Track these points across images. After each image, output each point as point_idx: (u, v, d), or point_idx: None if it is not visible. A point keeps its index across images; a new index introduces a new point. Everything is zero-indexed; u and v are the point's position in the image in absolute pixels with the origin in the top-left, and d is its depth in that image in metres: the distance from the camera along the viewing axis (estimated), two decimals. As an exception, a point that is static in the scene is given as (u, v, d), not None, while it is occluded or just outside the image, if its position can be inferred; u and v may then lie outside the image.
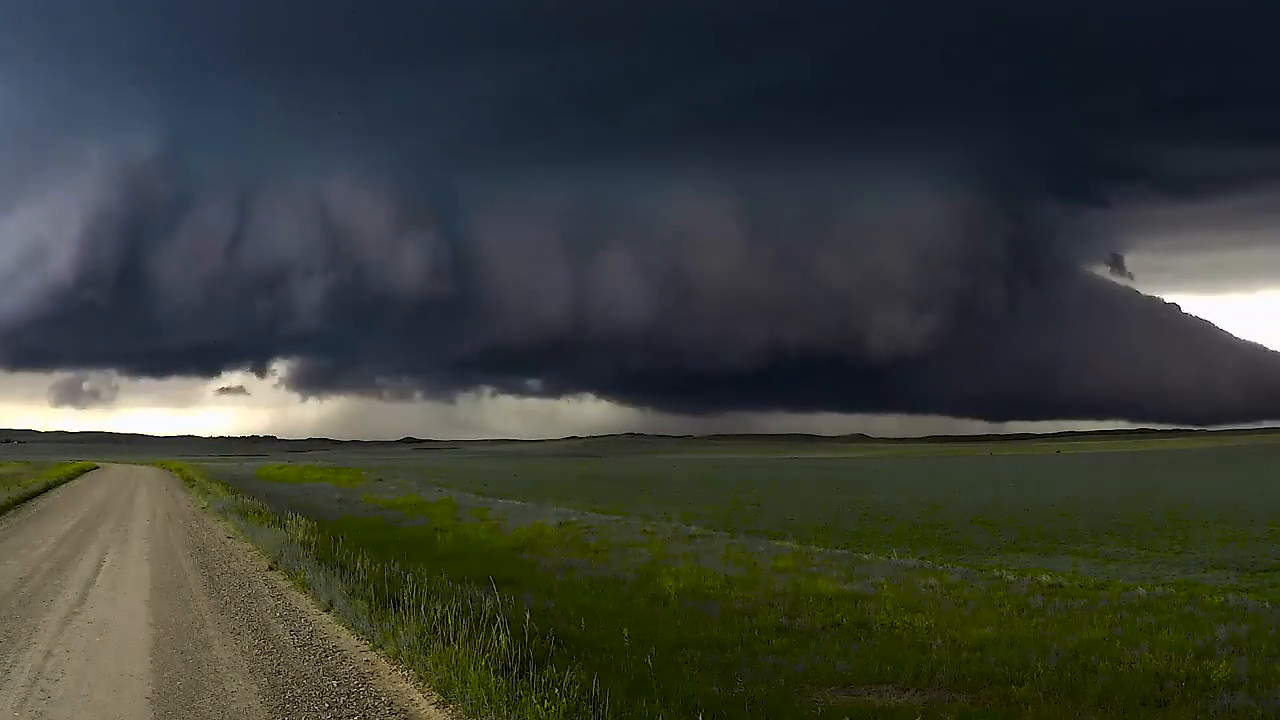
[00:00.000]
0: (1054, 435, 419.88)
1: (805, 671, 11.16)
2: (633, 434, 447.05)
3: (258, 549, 21.40)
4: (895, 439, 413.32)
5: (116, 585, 16.74)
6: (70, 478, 65.19)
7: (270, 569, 18.49)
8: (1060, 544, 27.75)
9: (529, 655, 9.94)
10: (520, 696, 8.70)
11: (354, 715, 9.23)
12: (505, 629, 10.63)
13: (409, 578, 13.95)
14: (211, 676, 10.51)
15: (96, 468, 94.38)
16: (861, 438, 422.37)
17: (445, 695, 9.63)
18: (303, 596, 15.40)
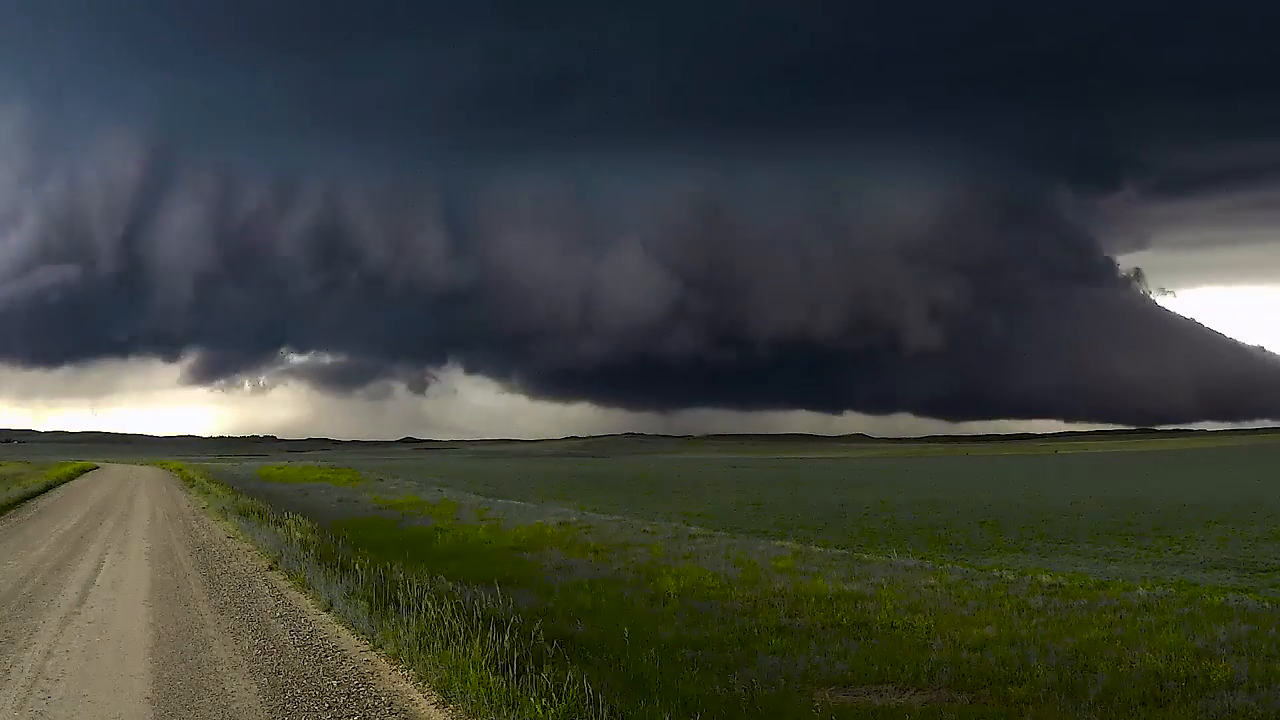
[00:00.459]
0: (1055, 435, 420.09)
1: (805, 671, 11.16)
2: (633, 434, 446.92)
3: (257, 549, 21.40)
4: (895, 439, 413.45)
5: (116, 585, 16.74)
6: (70, 478, 65.19)
7: (270, 569, 18.49)
8: (1060, 544, 27.75)
9: (529, 655, 9.94)
10: (520, 696, 8.70)
11: (354, 715, 9.23)
12: (505, 629, 10.64)
13: (409, 578, 13.95)
14: (211, 676, 10.51)
15: (96, 468, 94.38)
16: (862, 438, 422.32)
17: (445, 695, 9.63)
18: (303, 596, 15.40)
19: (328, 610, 14.10)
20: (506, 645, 10.17)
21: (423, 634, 10.99)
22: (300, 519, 23.81)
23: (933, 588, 16.82)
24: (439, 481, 64.59)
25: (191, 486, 52.01)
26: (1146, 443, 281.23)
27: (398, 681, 10.39)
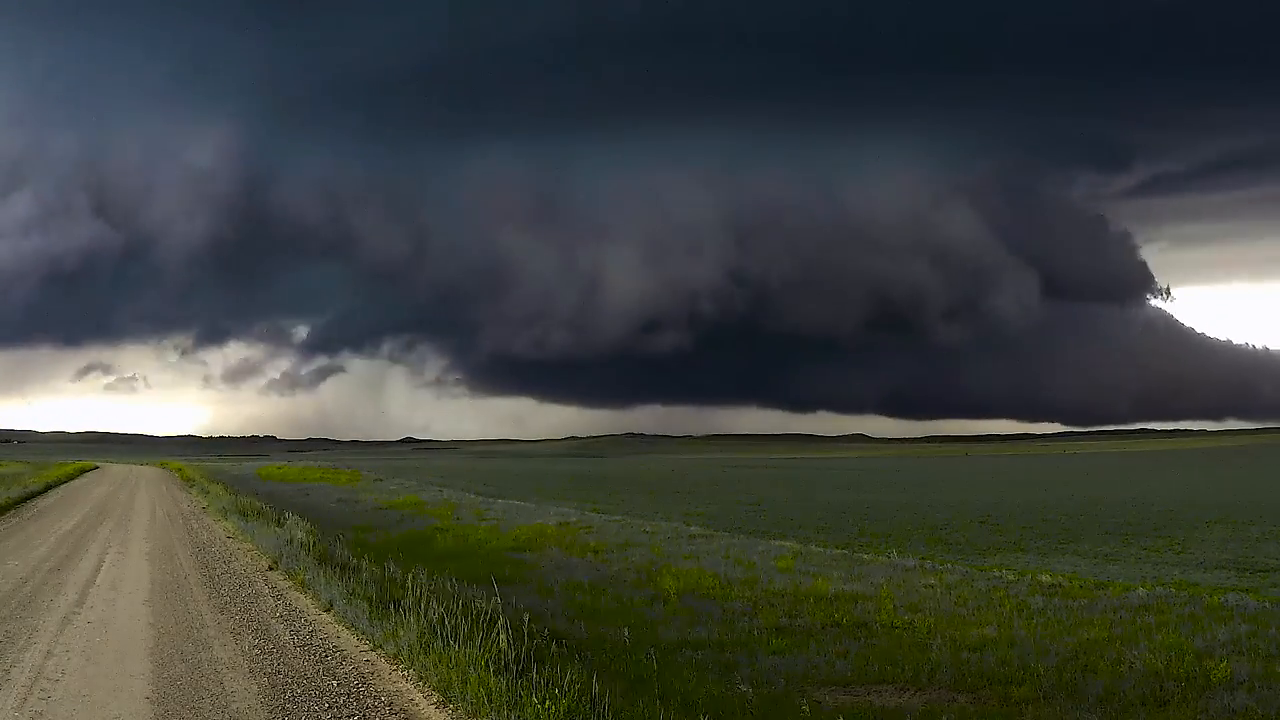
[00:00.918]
0: (1056, 436, 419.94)
1: (805, 671, 11.16)
2: (633, 434, 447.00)
3: (257, 549, 21.40)
4: (894, 439, 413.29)
5: (117, 585, 16.74)
6: (70, 478, 65.18)
7: (270, 569, 18.49)
8: (1060, 544, 27.75)
9: (529, 655, 9.94)
10: (520, 696, 8.70)
11: (354, 715, 9.23)
12: (505, 629, 10.64)
13: (409, 578, 13.95)
14: (211, 676, 10.51)
15: (96, 468, 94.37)
16: (861, 438, 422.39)
17: (445, 695, 9.64)
18: (303, 596, 15.40)
19: (328, 610, 14.10)
20: (506, 645, 10.17)
21: (423, 634, 10.99)
22: (300, 519, 23.82)
23: (933, 588, 16.82)
24: (439, 481, 64.60)
25: (191, 486, 52.02)
26: (1146, 442, 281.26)
27: (398, 681, 10.39)
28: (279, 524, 23.86)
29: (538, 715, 8.34)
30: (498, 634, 10.43)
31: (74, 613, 14.13)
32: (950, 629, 13.24)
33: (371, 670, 10.85)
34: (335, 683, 10.30)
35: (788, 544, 24.68)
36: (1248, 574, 21.23)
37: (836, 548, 24.25)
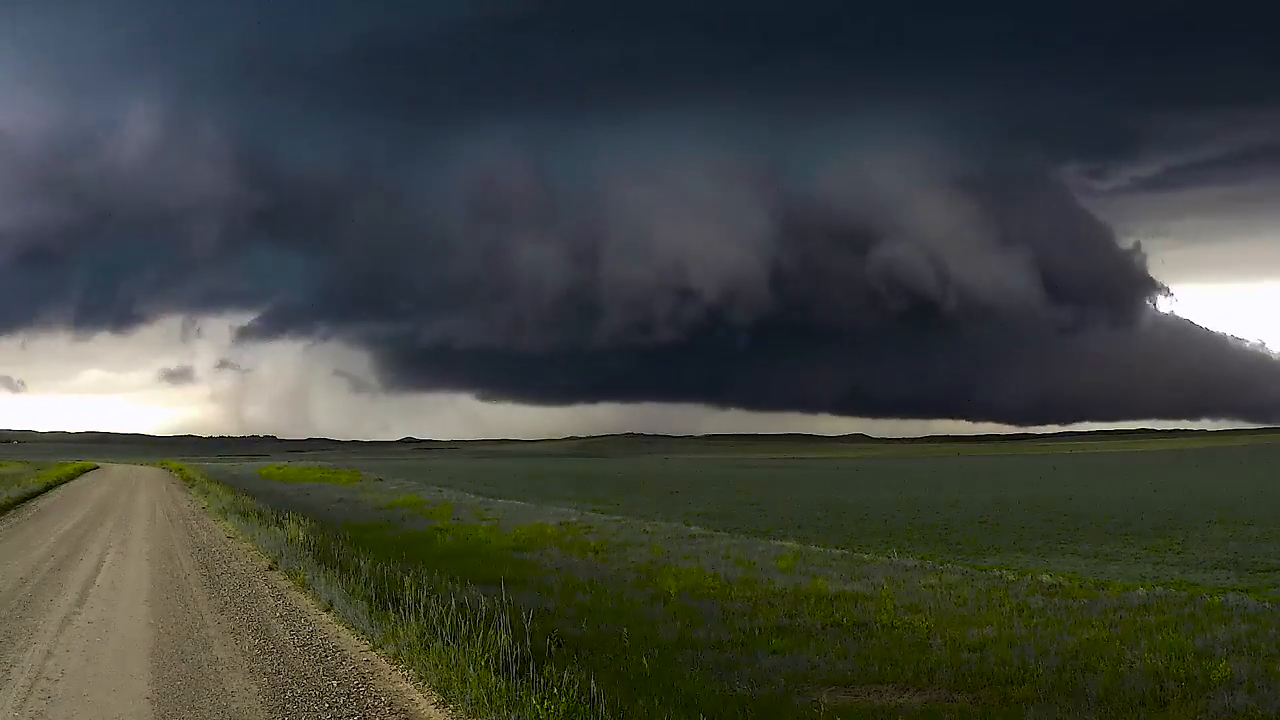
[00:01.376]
0: (1060, 436, 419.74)
1: (805, 671, 11.17)
2: (633, 434, 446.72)
3: (258, 549, 21.40)
4: (894, 439, 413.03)
5: (117, 585, 16.74)
6: (70, 478, 65.17)
7: (270, 569, 18.50)
8: (1060, 544, 27.75)
9: (529, 655, 9.94)
10: (520, 696, 8.71)
11: (354, 715, 9.24)
12: (505, 629, 10.64)
13: (409, 578, 13.96)
14: (211, 676, 10.51)
15: (96, 468, 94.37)
16: (861, 438, 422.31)
17: (445, 695, 9.64)
18: (303, 596, 15.40)
19: (328, 610, 14.10)
20: (506, 645, 10.17)
21: (423, 634, 10.99)
22: (300, 519, 23.82)
23: (933, 588, 16.83)
24: (439, 482, 64.61)
25: (191, 486, 52.02)
26: (1146, 442, 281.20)
27: (398, 681, 10.39)
28: (279, 524, 23.87)
29: (537, 715, 8.34)
30: (498, 634, 10.43)
31: (74, 613, 14.13)
32: (950, 629, 13.24)
33: (371, 670, 10.85)
34: (335, 683, 10.30)
35: (788, 544, 24.69)
36: (1248, 574, 21.23)
37: (836, 547, 24.25)
